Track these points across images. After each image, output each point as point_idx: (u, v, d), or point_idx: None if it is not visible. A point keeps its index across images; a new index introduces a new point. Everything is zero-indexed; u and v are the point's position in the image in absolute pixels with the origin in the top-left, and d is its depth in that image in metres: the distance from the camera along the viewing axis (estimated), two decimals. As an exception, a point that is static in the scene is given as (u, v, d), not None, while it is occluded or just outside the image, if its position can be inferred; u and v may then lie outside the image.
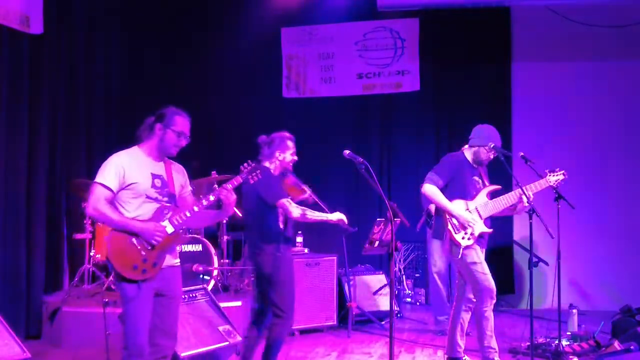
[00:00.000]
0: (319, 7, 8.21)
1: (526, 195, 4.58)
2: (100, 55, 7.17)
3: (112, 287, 5.77)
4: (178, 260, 3.69)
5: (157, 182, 3.54)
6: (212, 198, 3.54)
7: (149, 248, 3.43)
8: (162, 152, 3.59)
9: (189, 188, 3.79)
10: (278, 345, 4.39)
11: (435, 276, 6.34)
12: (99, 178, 3.44)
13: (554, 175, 4.74)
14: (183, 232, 6.14)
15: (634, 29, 7.48)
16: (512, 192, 4.71)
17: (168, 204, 3.55)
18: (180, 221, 3.51)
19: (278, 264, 4.29)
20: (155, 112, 3.61)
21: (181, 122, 3.57)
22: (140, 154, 3.57)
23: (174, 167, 3.70)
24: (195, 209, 3.53)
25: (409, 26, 8.15)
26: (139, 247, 3.41)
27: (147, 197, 3.49)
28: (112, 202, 3.46)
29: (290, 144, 4.50)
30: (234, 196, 3.61)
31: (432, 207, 5.62)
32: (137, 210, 3.48)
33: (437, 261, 6.30)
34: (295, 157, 4.52)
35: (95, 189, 3.43)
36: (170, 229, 3.49)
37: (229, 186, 3.58)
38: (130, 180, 3.45)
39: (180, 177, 3.70)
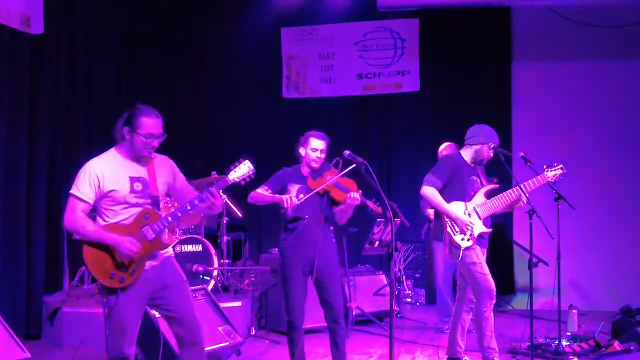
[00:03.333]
0: (319, 7, 8.21)
1: (525, 195, 4.57)
2: (101, 56, 7.17)
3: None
4: (166, 252, 3.50)
5: (137, 186, 3.36)
6: (197, 202, 3.37)
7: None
8: (135, 155, 3.40)
9: (181, 177, 3.60)
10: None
11: (440, 278, 6.34)
12: (73, 189, 3.31)
13: (551, 171, 4.71)
14: (174, 233, 6.20)
15: (634, 29, 7.47)
16: (510, 190, 4.70)
17: (150, 207, 3.38)
18: (162, 227, 3.36)
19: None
20: (126, 110, 3.41)
21: (148, 124, 3.32)
22: (118, 156, 3.41)
23: (157, 162, 3.49)
24: (179, 214, 3.38)
25: (409, 26, 8.14)
26: (116, 255, 3.30)
27: (127, 203, 3.34)
28: (94, 209, 3.37)
29: (312, 140, 4.37)
30: (219, 200, 3.40)
31: (431, 212, 5.62)
32: (117, 216, 3.35)
33: (441, 263, 6.29)
34: (314, 154, 4.36)
35: (70, 201, 3.32)
36: (150, 235, 3.34)
37: (214, 190, 3.35)
38: (108, 188, 3.31)
39: (165, 171, 3.51)
